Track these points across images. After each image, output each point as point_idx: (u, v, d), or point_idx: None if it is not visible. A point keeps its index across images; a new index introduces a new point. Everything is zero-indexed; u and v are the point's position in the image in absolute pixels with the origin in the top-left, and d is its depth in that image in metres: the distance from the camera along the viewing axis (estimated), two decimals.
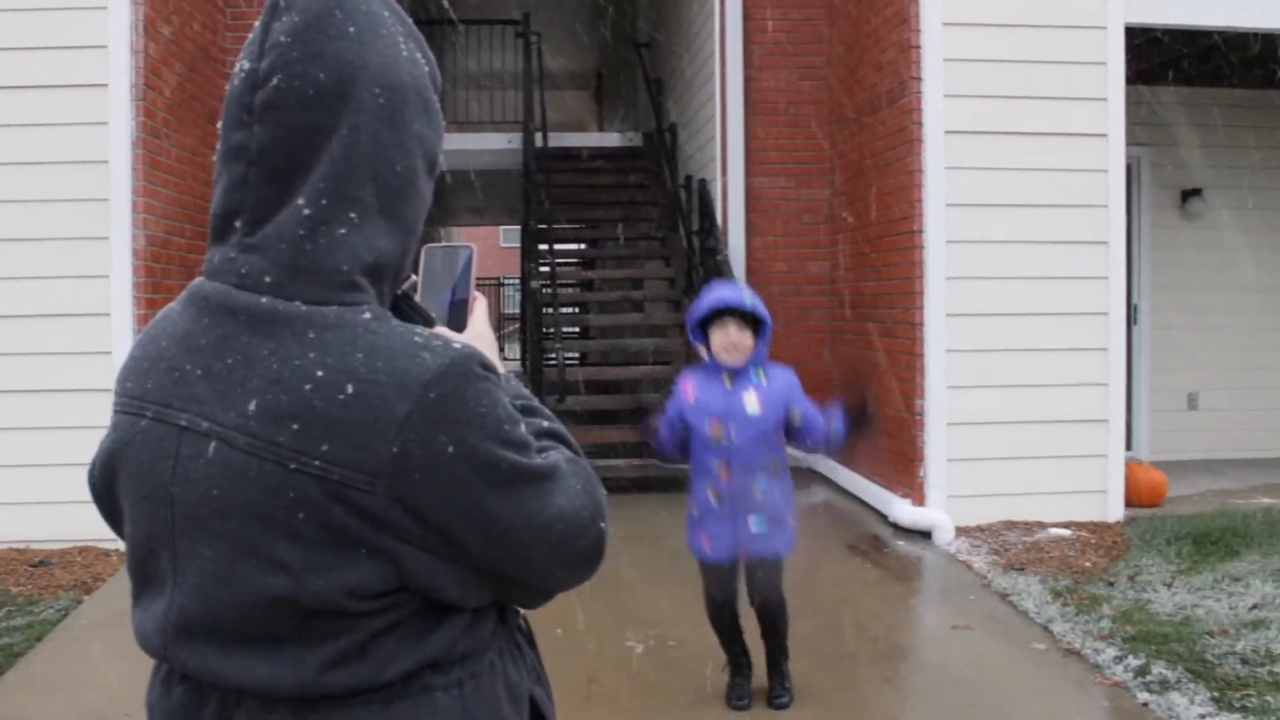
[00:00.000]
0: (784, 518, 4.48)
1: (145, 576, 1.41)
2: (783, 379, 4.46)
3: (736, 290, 4.47)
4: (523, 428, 1.38)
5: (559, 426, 1.50)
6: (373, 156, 1.36)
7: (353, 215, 1.34)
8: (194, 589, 1.33)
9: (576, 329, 14.30)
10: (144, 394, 1.38)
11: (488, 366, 1.35)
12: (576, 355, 13.83)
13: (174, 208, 7.74)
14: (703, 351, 4.47)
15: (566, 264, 13.89)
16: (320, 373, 1.27)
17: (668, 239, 11.70)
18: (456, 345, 1.34)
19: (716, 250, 9.86)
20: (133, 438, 1.38)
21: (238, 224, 1.35)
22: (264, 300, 1.32)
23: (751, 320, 4.38)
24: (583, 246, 13.82)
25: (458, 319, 1.55)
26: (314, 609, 1.29)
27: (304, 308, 1.31)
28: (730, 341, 4.34)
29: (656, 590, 4.09)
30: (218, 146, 1.39)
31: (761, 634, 4.66)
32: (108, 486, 1.46)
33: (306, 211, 1.33)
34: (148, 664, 1.45)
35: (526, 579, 1.41)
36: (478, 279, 1.62)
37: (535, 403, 1.49)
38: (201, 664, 1.34)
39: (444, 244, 1.61)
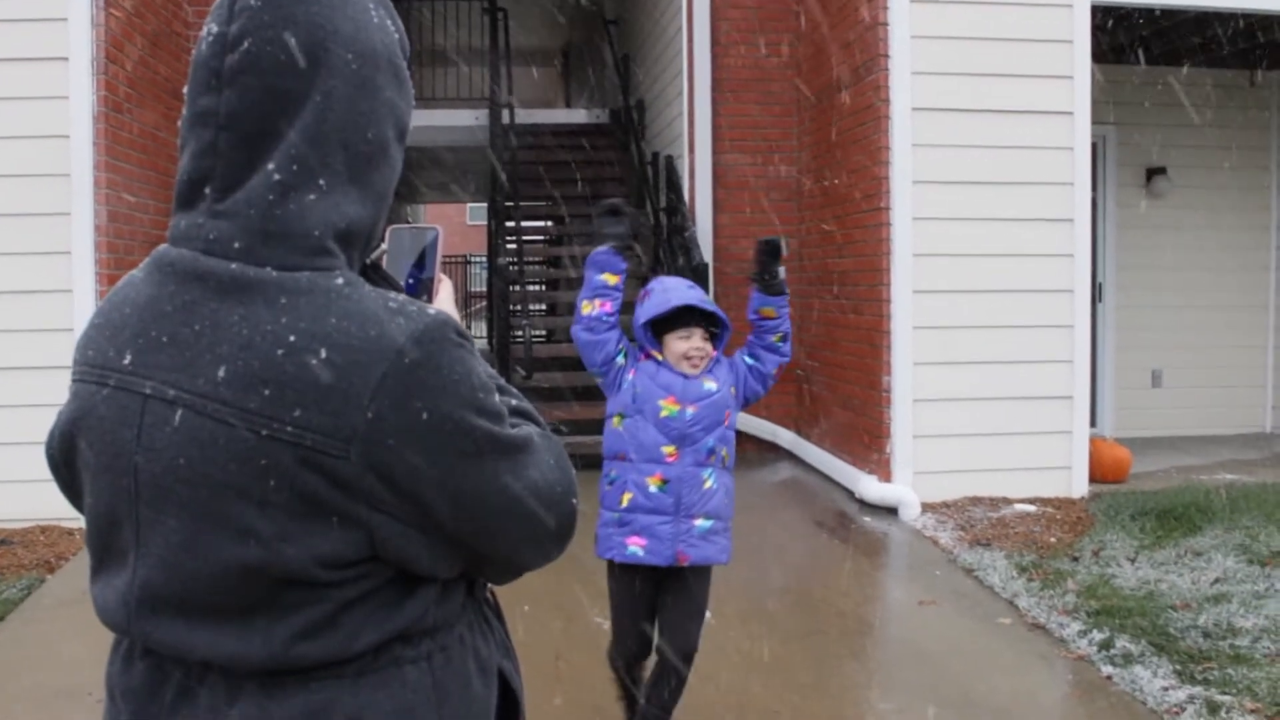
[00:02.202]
0: (728, 522, 3.95)
1: (106, 549, 1.38)
2: (726, 361, 4.03)
3: (696, 289, 3.94)
4: (497, 397, 1.37)
5: (527, 405, 1.49)
6: (344, 123, 1.34)
7: (322, 182, 1.32)
8: (159, 560, 1.30)
9: (543, 306, 14.26)
10: (106, 362, 1.35)
11: (462, 334, 1.34)
12: (543, 332, 13.80)
13: (137, 183, 7.65)
14: (655, 356, 3.96)
15: (533, 241, 13.85)
16: (293, 338, 1.25)
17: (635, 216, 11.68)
18: (431, 311, 1.32)
19: (684, 227, 9.84)
20: (94, 407, 1.35)
21: (207, 190, 1.33)
22: (234, 266, 1.30)
23: (710, 323, 3.95)
24: (550, 223, 13.77)
25: (424, 299, 1.54)
26: (284, 579, 1.27)
27: (275, 273, 1.29)
28: (694, 349, 3.89)
29: None
30: (183, 112, 1.36)
31: (650, 690, 3.95)
32: (67, 458, 1.43)
33: (277, 177, 1.31)
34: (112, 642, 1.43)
35: (498, 552, 1.40)
36: (444, 257, 1.61)
37: (503, 382, 1.48)
38: (167, 637, 1.32)
39: (410, 225, 1.60)
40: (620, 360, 3.95)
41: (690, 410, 3.87)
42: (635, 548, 3.84)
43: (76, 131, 6.96)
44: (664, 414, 3.86)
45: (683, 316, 3.88)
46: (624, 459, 3.90)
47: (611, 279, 3.94)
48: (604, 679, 4.34)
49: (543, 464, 1.41)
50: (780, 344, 4.05)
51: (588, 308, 3.95)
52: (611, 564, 3.95)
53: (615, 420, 3.94)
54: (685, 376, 3.90)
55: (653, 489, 3.84)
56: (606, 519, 3.90)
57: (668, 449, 3.86)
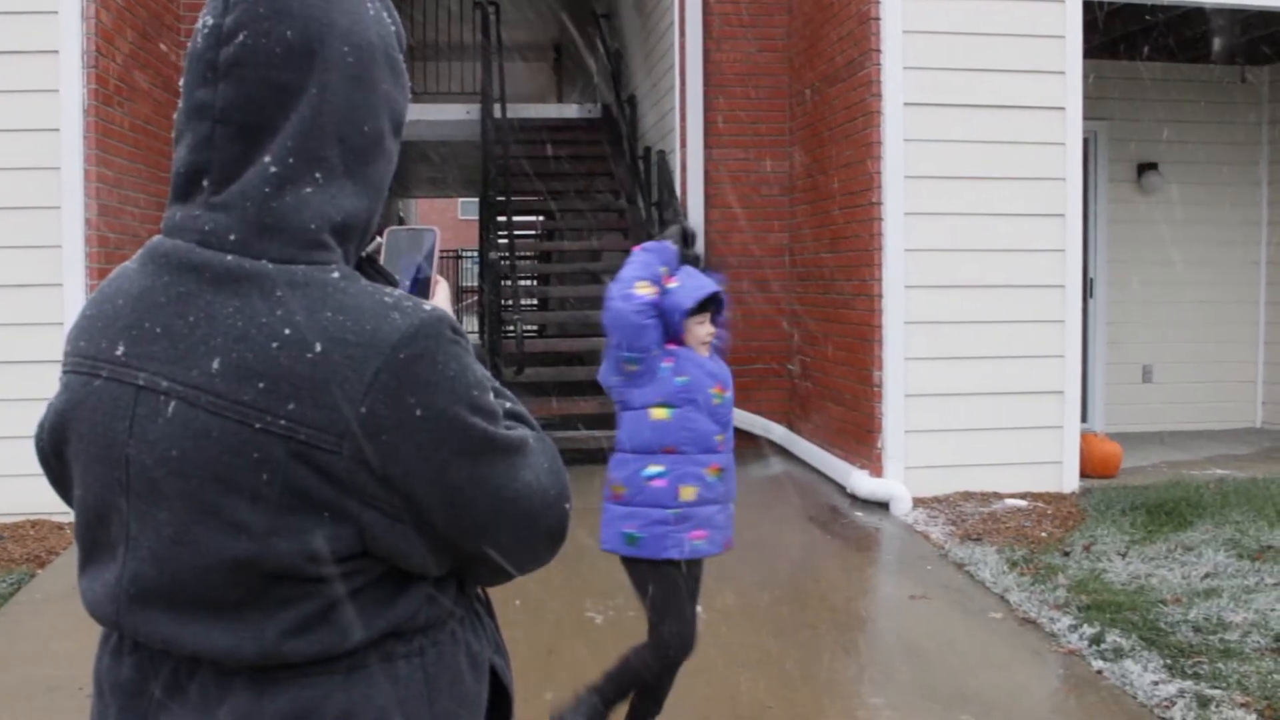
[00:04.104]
0: None
1: (95, 542, 1.37)
2: None
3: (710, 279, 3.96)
4: (492, 396, 1.37)
5: (522, 409, 1.48)
6: (341, 116, 1.33)
7: (318, 175, 1.32)
8: (150, 553, 1.30)
9: (535, 301, 14.25)
10: (98, 353, 1.34)
11: (458, 331, 1.34)
12: (535, 327, 13.78)
13: (128, 177, 7.63)
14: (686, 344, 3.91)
15: (525, 236, 13.83)
16: (288, 331, 1.25)
17: (627, 211, 11.68)
18: (427, 307, 1.32)
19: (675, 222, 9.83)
20: (86, 398, 1.35)
21: (205, 183, 1.32)
22: (229, 258, 1.29)
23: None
24: (541, 218, 13.75)
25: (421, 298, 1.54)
26: (275, 573, 1.27)
27: (271, 266, 1.29)
28: (709, 334, 3.89)
29: (615, 561, 4.04)
30: (179, 104, 1.36)
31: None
32: (57, 449, 1.42)
33: (273, 170, 1.30)
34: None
35: (488, 554, 1.39)
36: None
37: (497, 384, 1.48)
38: (157, 631, 1.31)
39: (408, 226, 1.60)
40: (656, 348, 3.79)
41: (729, 395, 3.90)
42: (698, 541, 3.76)
43: (67, 125, 6.94)
44: (716, 402, 3.83)
45: (701, 303, 3.86)
46: (674, 451, 3.76)
47: (666, 278, 3.83)
48: (597, 671, 4.33)
49: (537, 466, 1.40)
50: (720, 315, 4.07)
51: (645, 289, 3.75)
52: (665, 563, 3.76)
53: (659, 411, 3.78)
54: (717, 362, 3.92)
55: (711, 479, 3.79)
56: (658, 516, 3.73)
57: (719, 437, 3.83)
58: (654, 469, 3.76)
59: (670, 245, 3.90)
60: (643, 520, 3.75)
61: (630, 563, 3.82)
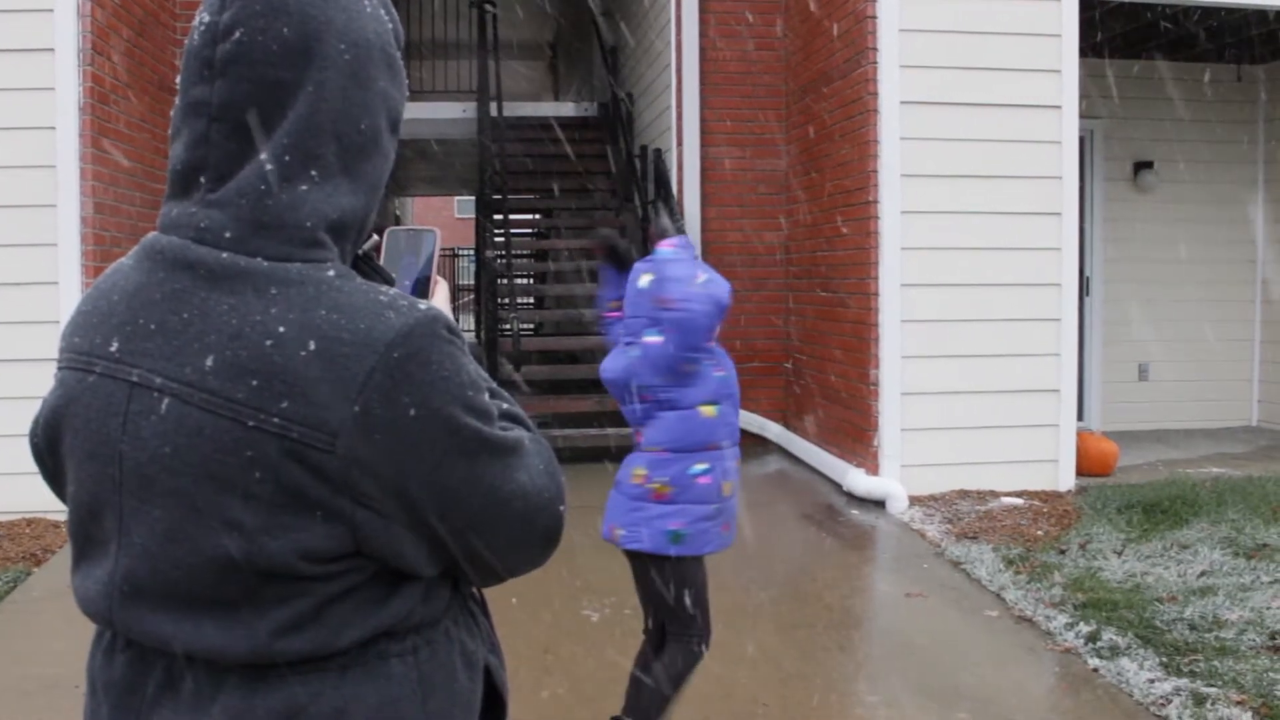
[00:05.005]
0: None
1: (88, 538, 1.37)
2: None
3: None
4: (487, 396, 1.36)
5: (519, 410, 1.48)
6: (338, 114, 1.33)
7: (314, 173, 1.32)
8: (142, 550, 1.29)
9: (531, 299, 14.23)
10: (92, 349, 1.34)
11: (453, 330, 1.33)
12: (532, 326, 13.77)
13: (124, 175, 7.62)
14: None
15: (521, 234, 13.82)
16: (282, 329, 1.24)
17: (623, 209, 11.67)
18: (422, 306, 1.31)
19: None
20: (80, 394, 1.34)
21: (202, 180, 1.32)
22: (224, 255, 1.29)
23: None
24: (538, 216, 13.74)
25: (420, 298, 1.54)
26: (267, 571, 1.26)
27: (266, 264, 1.28)
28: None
29: (612, 559, 4.02)
30: (176, 101, 1.35)
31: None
32: (51, 445, 1.42)
33: (269, 167, 1.30)
34: None
35: (481, 555, 1.38)
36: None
37: (493, 384, 1.47)
38: (149, 628, 1.30)
39: (408, 227, 1.60)
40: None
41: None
42: (726, 534, 3.81)
43: (63, 123, 6.94)
44: (738, 395, 3.85)
45: None
46: (717, 448, 3.74)
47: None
48: (593, 670, 4.34)
49: (532, 468, 1.39)
50: None
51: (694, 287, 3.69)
52: (695, 559, 3.75)
53: (708, 409, 3.74)
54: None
55: (735, 469, 3.82)
56: (703, 513, 3.71)
57: (739, 431, 3.87)
58: (700, 466, 3.72)
59: (689, 240, 3.88)
60: (690, 517, 3.70)
61: (662, 561, 3.73)
